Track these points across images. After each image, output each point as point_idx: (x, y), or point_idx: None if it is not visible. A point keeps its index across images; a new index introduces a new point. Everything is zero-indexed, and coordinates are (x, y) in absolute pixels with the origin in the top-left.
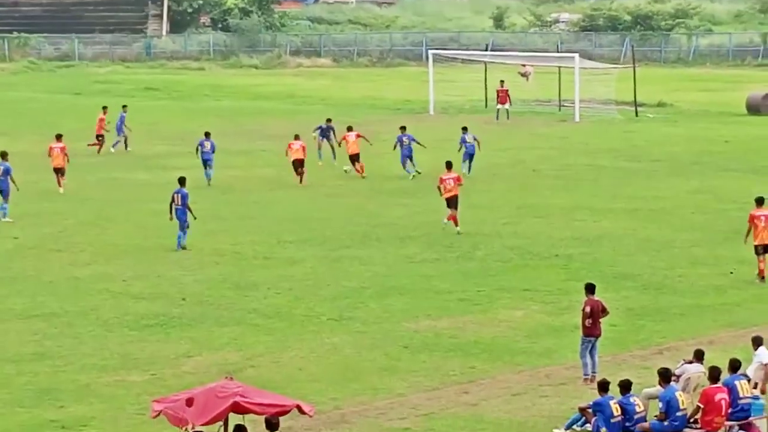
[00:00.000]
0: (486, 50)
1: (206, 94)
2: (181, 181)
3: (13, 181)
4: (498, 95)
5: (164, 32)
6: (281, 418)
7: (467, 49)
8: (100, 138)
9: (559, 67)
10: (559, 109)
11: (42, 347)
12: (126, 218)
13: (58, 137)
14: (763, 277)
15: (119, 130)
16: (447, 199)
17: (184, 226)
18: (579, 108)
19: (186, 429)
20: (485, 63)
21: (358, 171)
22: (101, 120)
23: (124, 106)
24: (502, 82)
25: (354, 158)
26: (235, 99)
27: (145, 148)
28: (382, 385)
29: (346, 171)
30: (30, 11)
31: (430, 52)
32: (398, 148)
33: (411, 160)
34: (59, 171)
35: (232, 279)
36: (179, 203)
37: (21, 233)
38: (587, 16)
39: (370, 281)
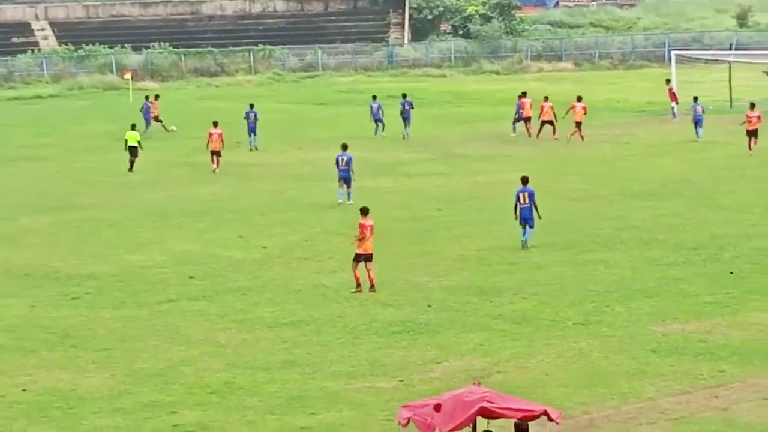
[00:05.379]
0: (730, 50)
1: (448, 101)
2: (524, 180)
3: (353, 171)
4: (670, 94)
5: (405, 40)
6: (530, 424)
7: (710, 49)
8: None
9: None
10: None
11: (291, 355)
12: None
13: (215, 124)
14: None
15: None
16: (748, 131)
17: (531, 224)
18: None
19: None
20: (729, 63)
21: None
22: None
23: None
24: (668, 80)
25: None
26: (477, 105)
27: (389, 156)
28: (630, 390)
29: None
30: (274, 23)
31: (672, 53)
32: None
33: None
34: (216, 153)
35: (477, 285)
36: (526, 202)
37: (269, 242)
38: None
39: (616, 285)
